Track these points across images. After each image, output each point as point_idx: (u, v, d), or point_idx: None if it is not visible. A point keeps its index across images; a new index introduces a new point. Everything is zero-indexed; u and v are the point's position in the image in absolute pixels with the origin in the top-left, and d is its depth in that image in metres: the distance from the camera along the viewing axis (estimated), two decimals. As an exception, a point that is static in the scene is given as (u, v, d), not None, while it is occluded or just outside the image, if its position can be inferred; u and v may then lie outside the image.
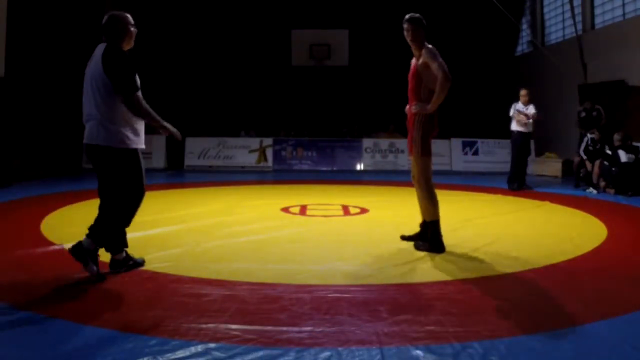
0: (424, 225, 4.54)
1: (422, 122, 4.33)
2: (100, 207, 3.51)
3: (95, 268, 3.39)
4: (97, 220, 3.46)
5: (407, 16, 4.48)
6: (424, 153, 4.38)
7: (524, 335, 2.57)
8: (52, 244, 4.42)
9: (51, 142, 10.49)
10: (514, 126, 8.96)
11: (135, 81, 3.42)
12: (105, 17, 3.54)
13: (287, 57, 14.90)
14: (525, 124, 8.87)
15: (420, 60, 4.37)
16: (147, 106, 3.46)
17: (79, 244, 3.37)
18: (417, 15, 4.53)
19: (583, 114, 9.98)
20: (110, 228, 3.48)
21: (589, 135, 9.27)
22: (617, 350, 2.41)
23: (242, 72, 16.00)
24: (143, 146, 3.56)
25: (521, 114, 8.81)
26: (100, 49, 3.47)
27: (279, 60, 15.38)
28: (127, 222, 3.58)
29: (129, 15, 3.60)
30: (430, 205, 4.40)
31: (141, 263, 3.74)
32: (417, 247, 4.40)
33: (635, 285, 3.47)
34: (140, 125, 3.55)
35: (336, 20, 15.20)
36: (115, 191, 3.46)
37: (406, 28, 4.46)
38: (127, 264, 3.68)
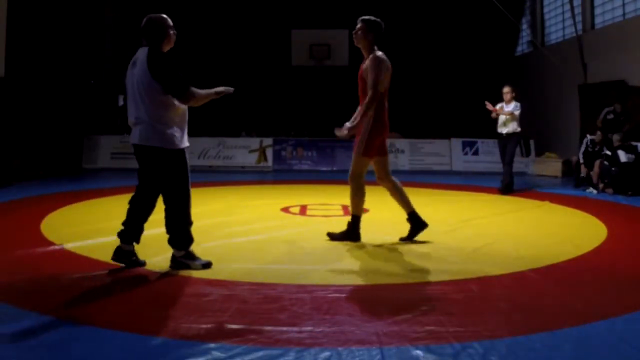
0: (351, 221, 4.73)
1: (370, 123, 4.41)
2: (167, 211, 3.67)
3: (200, 263, 3.68)
4: (169, 225, 3.66)
5: (362, 17, 4.54)
6: (364, 153, 4.52)
7: (524, 335, 2.57)
8: (52, 244, 4.41)
9: (51, 142, 10.49)
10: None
11: (184, 79, 3.52)
12: (144, 20, 3.64)
13: (287, 57, 14.89)
14: (504, 124, 8.25)
15: (364, 65, 4.47)
16: (200, 92, 3.58)
17: (173, 257, 3.72)
18: (373, 18, 4.54)
19: (611, 116, 9.61)
20: (180, 224, 3.67)
21: (588, 137, 9.25)
22: (617, 350, 2.41)
23: (242, 72, 15.98)
24: (188, 144, 3.69)
25: (494, 110, 8.16)
26: (142, 52, 3.55)
27: (279, 60, 15.38)
28: (188, 219, 3.72)
29: (167, 18, 3.72)
30: (355, 200, 4.66)
31: (142, 264, 3.74)
32: (332, 237, 4.63)
33: (635, 285, 3.47)
34: (185, 125, 3.67)
35: (336, 20, 15.17)
36: (169, 190, 3.63)
37: (357, 27, 4.61)
38: (130, 258, 3.69)
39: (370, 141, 4.46)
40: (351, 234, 4.64)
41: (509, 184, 8.29)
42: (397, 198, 4.76)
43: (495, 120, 8.35)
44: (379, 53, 4.49)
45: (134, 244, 3.73)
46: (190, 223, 3.74)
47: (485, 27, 15.37)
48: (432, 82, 15.92)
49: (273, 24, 15.64)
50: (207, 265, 3.72)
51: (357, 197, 4.64)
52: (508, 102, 8.35)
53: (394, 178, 4.74)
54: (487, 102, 8.22)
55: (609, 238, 4.91)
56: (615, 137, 8.56)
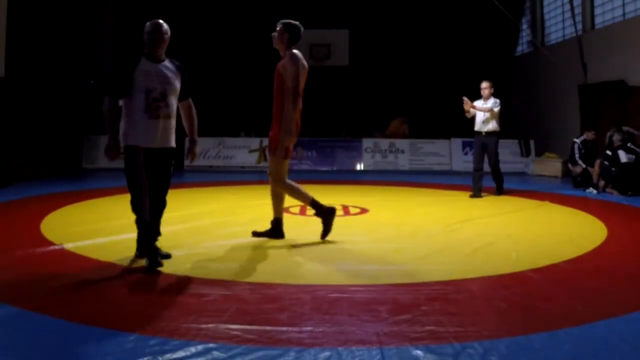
0: (274, 222, 4.76)
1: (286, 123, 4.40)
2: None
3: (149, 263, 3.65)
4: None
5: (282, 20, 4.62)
6: (281, 155, 4.54)
7: (524, 335, 2.57)
8: (52, 244, 4.41)
9: (51, 142, 10.49)
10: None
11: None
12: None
13: (287, 57, 14.88)
14: (484, 122, 7.83)
15: (282, 62, 4.52)
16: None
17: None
18: (290, 21, 4.69)
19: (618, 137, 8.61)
20: (137, 221, 3.77)
21: (577, 141, 9.23)
22: (617, 350, 2.41)
23: (242, 72, 15.99)
24: (155, 145, 3.74)
25: (471, 106, 7.75)
26: None
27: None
28: (140, 218, 3.74)
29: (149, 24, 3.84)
30: (296, 197, 4.67)
31: (160, 263, 3.70)
32: (254, 234, 4.64)
33: (635, 285, 3.48)
34: (145, 123, 3.71)
35: (336, 20, 15.19)
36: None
37: (277, 30, 4.71)
38: (155, 259, 3.68)
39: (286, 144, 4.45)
40: (276, 231, 4.69)
41: (501, 186, 8.08)
42: (273, 201, 4.75)
43: (472, 119, 7.94)
44: (296, 51, 4.50)
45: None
46: (143, 223, 3.73)
47: (485, 27, 15.37)
48: (432, 82, 15.91)
49: (273, 24, 15.64)
50: (152, 265, 3.62)
51: (297, 193, 4.66)
52: (486, 98, 7.92)
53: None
54: (464, 98, 7.79)
55: (609, 238, 4.91)
56: (616, 137, 8.55)
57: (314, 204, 4.66)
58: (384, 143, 13.54)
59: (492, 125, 7.86)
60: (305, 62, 4.49)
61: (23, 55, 9.37)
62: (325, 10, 15.56)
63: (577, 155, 9.16)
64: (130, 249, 4.07)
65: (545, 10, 14.72)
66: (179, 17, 15.09)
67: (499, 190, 8.04)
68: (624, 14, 11.08)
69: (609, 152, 8.48)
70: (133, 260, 3.86)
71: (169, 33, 3.86)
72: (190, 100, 4.06)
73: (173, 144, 3.91)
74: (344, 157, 13.49)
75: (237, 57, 16.03)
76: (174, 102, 3.84)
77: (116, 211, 4.90)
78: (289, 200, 7.14)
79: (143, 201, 3.69)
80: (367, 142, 13.57)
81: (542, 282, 3.50)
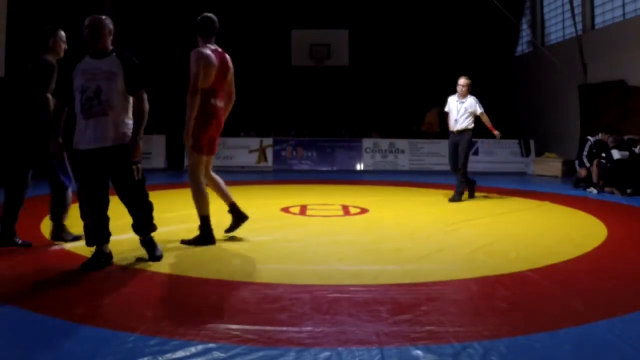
0: (232, 208, 4.70)
1: (198, 119, 4.35)
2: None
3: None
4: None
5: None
6: (194, 148, 4.41)
7: (524, 335, 2.57)
8: (52, 244, 4.42)
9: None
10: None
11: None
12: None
13: (287, 57, 14.89)
14: (455, 120, 7.41)
15: None
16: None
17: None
18: (202, 15, 4.63)
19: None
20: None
21: (591, 139, 9.12)
22: (617, 350, 2.41)
23: (242, 72, 15.97)
24: (88, 147, 3.65)
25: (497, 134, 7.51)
26: None
27: (279, 60, 15.38)
28: (87, 215, 3.86)
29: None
30: (196, 200, 4.48)
31: (94, 266, 3.64)
32: (183, 242, 4.46)
33: (635, 285, 3.48)
34: (81, 125, 3.67)
35: (336, 20, 15.19)
36: None
37: None
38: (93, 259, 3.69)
39: (197, 136, 4.38)
40: (205, 237, 4.44)
41: (462, 192, 7.42)
42: (218, 193, 4.69)
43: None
44: (202, 48, 4.41)
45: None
46: (87, 221, 3.87)
47: (485, 27, 15.38)
48: (432, 82, 15.91)
49: (273, 24, 15.65)
50: (91, 263, 3.62)
51: (199, 196, 4.45)
52: (464, 95, 7.43)
53: (213, 174, 4.68)
54: (495, 132, 7.54)
55: (609, 238, 4.91)
56: (610, 139, 8.60)
57: (232, 208, 4.62)
58: (384, 143, 13.54)
59: (467, 123, 7.38)
60: (213, 58, 4.36)
61: (23, 55, 9.37)
62: (325, 10, 15.57)
63: (585, 154, 9.02)
64: (130, 249, 4.07)
65: (545, 10, 14.73)
66: (179, 17, 15.12)
67: (459, 196, 7.40)
68: (624, 14, 11.08)
69: (603, 154, 8.54)
70: (133, 260, 3.86)
71: (109, 27, 3.72)
72: (141, 93, 3.73)
73: (120, 141, 3.65)
74: (344, 157, 13.50)
75: (238, 57, 16.03)
76: (113, 98, 3.60)
77: (116, 211, 4.87)
78: (289, 201, 7.17)
79: (81, 203, 3.75)
80: (367, 142, 13.57)
81: (542, 282, 3.50)
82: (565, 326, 2.68)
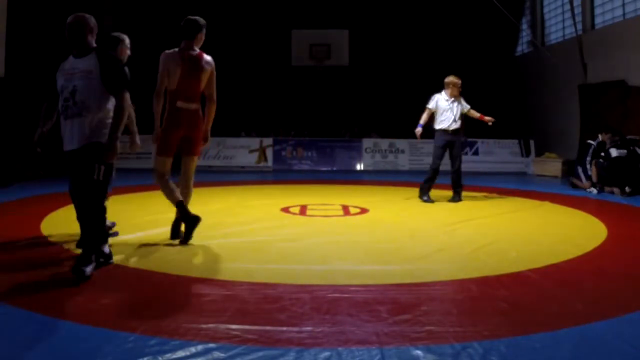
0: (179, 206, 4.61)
1: (165, 119, 4.44)
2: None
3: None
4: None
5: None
6: (158, 151, 4.49)
7: (524, 335, 2.57)
8: (52, 244, 4.42)
9: (51, 142, 10.48)
10: (437, 124, 7.38)
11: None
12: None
13: (287, 57, 14.89)
14: (453, 120, 7.31)
15: None
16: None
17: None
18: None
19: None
20: None
21: (594, 143, 9.03)
22: (617, 350, 2.41)
23: (242, 72, 15.99)
24: (65, 148, 3.59)
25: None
26: None
27: (279, 60, 15.38)
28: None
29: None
30: (165, 194, 4.54)
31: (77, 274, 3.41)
32: (182, 242, 4.45)
33: (635, 285, 3.47)
34: (62, 126, 3.61)
35: (336, 20, 15.19)
36: None
37: None
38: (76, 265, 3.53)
39: (162, 138, 4.43)
40: (190, 220, 4.48)
41: (461, 192, 7.44)
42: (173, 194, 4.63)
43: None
44: (169, 50, 4.49)
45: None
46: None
47: (485, 27, 15.38)
48: (432, 83, 15.90)
49: (273, 24, 15.65)
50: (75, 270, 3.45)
51: (165, 190, 4.51)
52: (456, 96, 7.35)
53: (186, 186, 4.72)
54: (487, 118, 7.51)
55: (609, 238, 4.91)
56: (607, 137, 8.63)
57: (180, 207, 4.53)
58: (384, 143, 13.55)
59: (460, 122, 7.35)
60: (171, 59, 4.41)
61: (23, 55, 9.37)
62: (325, 10, 15.57)
63: (588, 159, 8.84)
64: (130, 249, 4.07)
65: (545, 10, 14.72)
66: (179, 17, 15.12)
67: (459, 196, 7.42)
68: (624, 14, 11.08)
69: (602, 153, 8.55)
70: (133, 261, 3.86)
71: (90, 25, 3.58)
72: (121, 95, 3.49)
73: (93, 140, 3.48)
74: (344, 157, 13.50)
75: (237, 57, 16.03)
76: (89, 98, 3.45)
77: (116, 211, 4.90)
78: (289, 201, 7.17)
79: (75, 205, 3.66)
80: (367, 142, 13.58)
81: (542, 282, 3.50)
82: (565, 326, 2.68)
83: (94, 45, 3.61)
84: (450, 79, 7.46)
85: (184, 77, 4.39)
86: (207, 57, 4.55)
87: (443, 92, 7.45)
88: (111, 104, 3.55)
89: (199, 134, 4.53)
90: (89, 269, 3.38)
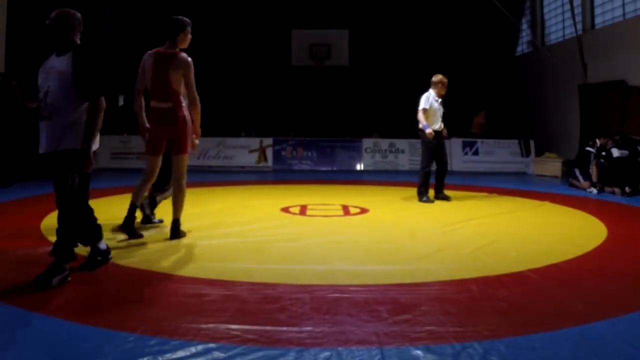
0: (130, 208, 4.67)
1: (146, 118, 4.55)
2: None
3: None
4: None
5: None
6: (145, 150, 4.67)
7: (524, 335, 2.57)
8: (52, 244, 4.39)
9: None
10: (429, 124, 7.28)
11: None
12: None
13: (287, 57, 14.89)
14: (439, 119, 7.37)
15: None
16: None
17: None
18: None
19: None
20: None
21: (592, 150, 8.96)
22: (617, 350, 2.42)
23: (242, 72, 16.00)
24: (39, 151, 3.42)
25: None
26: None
27: (279, 60, 15.38)
28: None
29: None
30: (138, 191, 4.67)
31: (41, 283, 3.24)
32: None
33: (635, 285, 3.48)
34: (40, 128, 3.41)
35: (336, 20, 15.19)
36: None
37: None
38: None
39: (148, 137, 4.54)
40: (128, 224, 4.57)
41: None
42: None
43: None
44: (152, 50, 4.58)
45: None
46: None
47: (485, 27, 15.38)
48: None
49: (273, 24, 15.65)
50: (89, 263, 3.60)
51: (135, 190, 4.66)
52: (442, 96, 7.37)
53: (171, 189, 4.74)
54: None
55: (609, 238, 4.91)
56: (610, 142, 8.62)
57: (130, 209, 4.58)
58: (384, 143, 13.55)
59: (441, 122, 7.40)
60: (147, 59, 4.53)
61: (23, 54, 9.36)
62: (325, 10, 15.57)
63: (592, 164, 8.77)
64: (130, 249, 4.07)
65: (545, 10, 14.72)
66: (178, 15, 15.12)
67: (442, 192, 7.47)
68: (624, 14, 11.08)
69: (603, 153, 8.55)
70: (133, 261, 3.86)
71: (72, 22, 3.43)
72: (95, 99, 3.30)
73: (65, 146, 3.29)
74: (344, 157, 13.50)
75: (238, 57, 16.04)
76: (59, 100, 3.27)
77: (116, 211, 4.90)
78: (289, 201, 7.17)
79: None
80: (367, 142, 13.57)
81: (542, 282, 3.50)
82: (565, 326, 2.68)
83: (77, 43, 3.44)
84: (439, 77, 7.40)
85: (154, 76, 4.45)
86: (182, 57, 4.46)
87: (432, 92, 7.38)
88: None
89: (180, 133, 4.49)
90: (56, 280, 3.23)
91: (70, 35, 3.43)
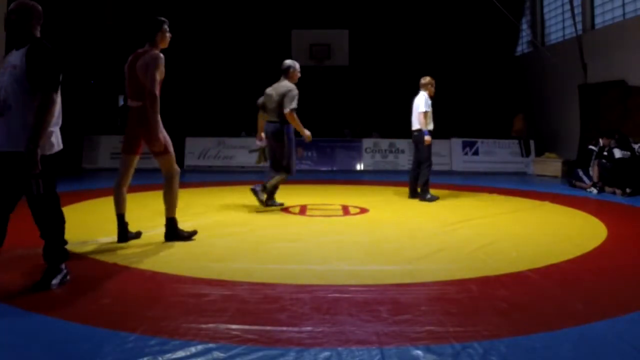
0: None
1: None
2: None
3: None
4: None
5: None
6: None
7: (524, 335, 2.57)
8: (52, 244, 4.40)
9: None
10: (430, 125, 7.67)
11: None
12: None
13: (287, 57, 14.86)
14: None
15: None
16: None
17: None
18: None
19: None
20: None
21: (595, 148, 8.96)
22: (617, 350, 2.41)
23: (242, 72, 15.99)
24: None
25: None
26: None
27: (279, 60, 15.35)
28: None
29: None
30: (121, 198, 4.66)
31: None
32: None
33: (635, 285, 3.48)
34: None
35: (336, 20, 15.18)
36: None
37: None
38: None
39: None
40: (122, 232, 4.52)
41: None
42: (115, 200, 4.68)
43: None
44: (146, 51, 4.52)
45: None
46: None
47: (485, 27, 15.38)
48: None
49: (273, 24, 15.64)
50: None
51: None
52: (432, 96, 7.65)
53: (124, 188, 4.67)
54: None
55: (609, 238, 4.91)
56: (612, 142, 8.62)
57: (120, 227, 4.55)
58: (384, 143, 13.55)
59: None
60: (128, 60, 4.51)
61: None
62: (325, 10, 15.56)
63: (593, 163, 8.77)
64: (130, 250, 4.07)
65: (545, 10, 14.73)
66: (180, 17, 15.12)
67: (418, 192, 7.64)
68: (624, 14, 11.08)
69: (605, 153, 8.55)
70: (133, 261, 3.86)
71: (32, 13, 3.28)
72: (46, 95, 3.05)
73: (17, 147, 3.04)
74: (344, 157, 13.50)
75: (238, 57, 16.04)
76: (10, 96, 3.08)
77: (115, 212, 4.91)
78: (289, 201, 7.17)
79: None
80: (367, 142, 13.58)
81: (542, 282, 3.50)
82: (565, 326, 2.68)
83: (36, 36, 3.27)
84: (428, 79, 7.76)
85: (129, 76, 4.46)
86: (150, 52, 4.34)
87: (425, 94, 7.66)
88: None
89: (146, 133, 4.39)
90: (55, 281, 3.20)
91: (29, 28, 3.26)
